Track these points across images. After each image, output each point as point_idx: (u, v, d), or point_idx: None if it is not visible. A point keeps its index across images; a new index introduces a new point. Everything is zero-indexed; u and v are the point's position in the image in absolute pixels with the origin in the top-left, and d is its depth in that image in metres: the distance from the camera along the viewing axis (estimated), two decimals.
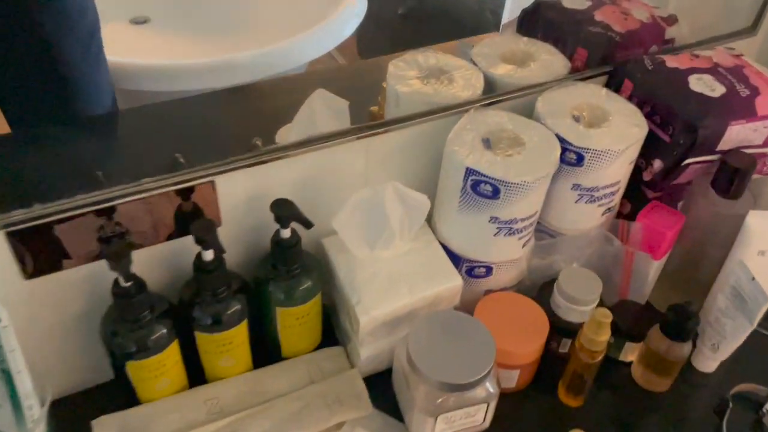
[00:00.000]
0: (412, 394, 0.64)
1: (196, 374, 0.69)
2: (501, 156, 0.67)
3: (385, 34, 0.90)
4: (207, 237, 0.59)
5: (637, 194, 0.80)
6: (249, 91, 0.77)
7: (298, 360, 0.73)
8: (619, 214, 0.83)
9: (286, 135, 0.71)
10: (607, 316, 0.65)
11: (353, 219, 0.65)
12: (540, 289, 0.77)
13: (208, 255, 0.61)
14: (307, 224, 0.63)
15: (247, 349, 0.69)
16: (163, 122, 0.72)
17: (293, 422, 0.66)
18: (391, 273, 0.69)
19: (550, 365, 0.74)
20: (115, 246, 0.59)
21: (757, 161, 0.73)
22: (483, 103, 0.73)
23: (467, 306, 0.73)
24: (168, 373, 0.65)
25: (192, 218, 0.64)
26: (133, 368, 0.63)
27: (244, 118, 0.76)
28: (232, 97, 0.75)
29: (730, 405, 0.73)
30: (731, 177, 0.72)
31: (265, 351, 0.73)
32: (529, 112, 0.74)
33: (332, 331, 0.76)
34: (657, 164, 0.75)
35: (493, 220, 0.68)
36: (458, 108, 0.72)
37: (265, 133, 0.68)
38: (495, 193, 0.65)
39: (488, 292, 0.76)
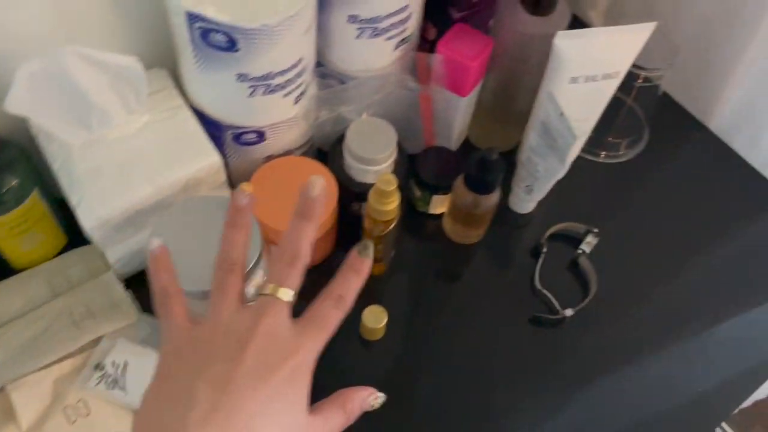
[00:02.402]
0: None
1: None
2: None
3: None
4: None
5: (441, 15, 0.65)
6: None
7: (35, 271, 0.59)
8: (425, 42, 0.69)
9: None
10: (390, 183, 0.54)
11: (37, 98, 0.48)
12: (332, 146, 0.65)
13: None
14: None
15: None
16: None
17: (32, 350, 0.55)
18: (123, 159, 0.54)
19: (354, 227, 0.65)
20: None
21: None
22: None
23: (244, 178, 0.60)
24: None
25: None
26: None
27: None
28: None
29: (544, 249, 0.67)
30: None
31: None
32: None
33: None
34: None
35: (242, 77, 0.53)
36: None
37: None
38: (231, 45, 0.49)
39: (270, 157, 0.63)
